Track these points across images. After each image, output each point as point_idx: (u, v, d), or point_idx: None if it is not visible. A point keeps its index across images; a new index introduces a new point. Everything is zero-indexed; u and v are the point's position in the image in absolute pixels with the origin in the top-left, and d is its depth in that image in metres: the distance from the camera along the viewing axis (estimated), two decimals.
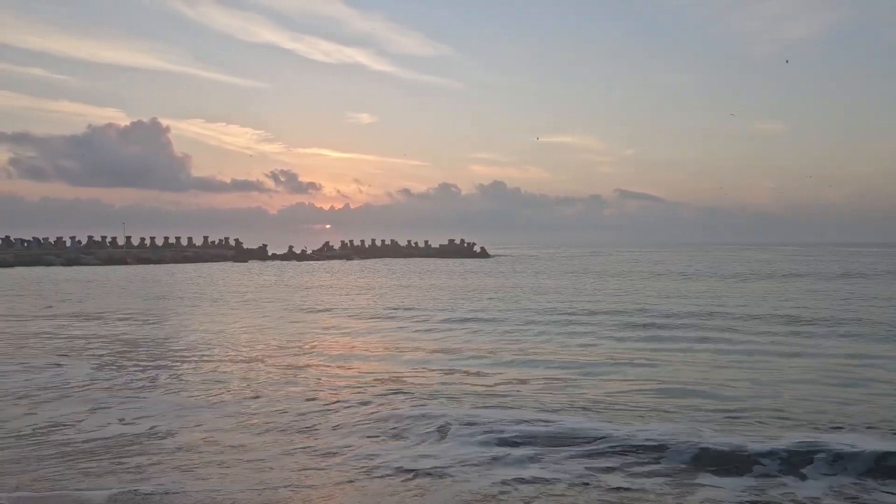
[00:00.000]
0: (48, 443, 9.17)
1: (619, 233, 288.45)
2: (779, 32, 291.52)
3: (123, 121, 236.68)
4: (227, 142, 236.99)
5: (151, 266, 79.88)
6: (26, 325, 22.94)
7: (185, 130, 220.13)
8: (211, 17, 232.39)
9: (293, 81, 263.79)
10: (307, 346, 17.86)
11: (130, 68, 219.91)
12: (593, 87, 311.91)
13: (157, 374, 13.99)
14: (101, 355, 16.48)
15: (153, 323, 23.51)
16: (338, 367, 14.83)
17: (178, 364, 15.23)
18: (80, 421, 10.28)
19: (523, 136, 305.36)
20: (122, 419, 10.40)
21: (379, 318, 24.98)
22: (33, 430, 9.85)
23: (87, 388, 12.77)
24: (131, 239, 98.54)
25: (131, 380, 13.49)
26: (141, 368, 14.73)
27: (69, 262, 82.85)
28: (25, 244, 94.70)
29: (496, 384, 12.57)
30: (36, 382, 13.21)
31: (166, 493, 7.14)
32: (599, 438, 8.65)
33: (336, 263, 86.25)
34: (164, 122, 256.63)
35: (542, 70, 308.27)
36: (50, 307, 29.30)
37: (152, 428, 9.84)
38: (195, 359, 15.87)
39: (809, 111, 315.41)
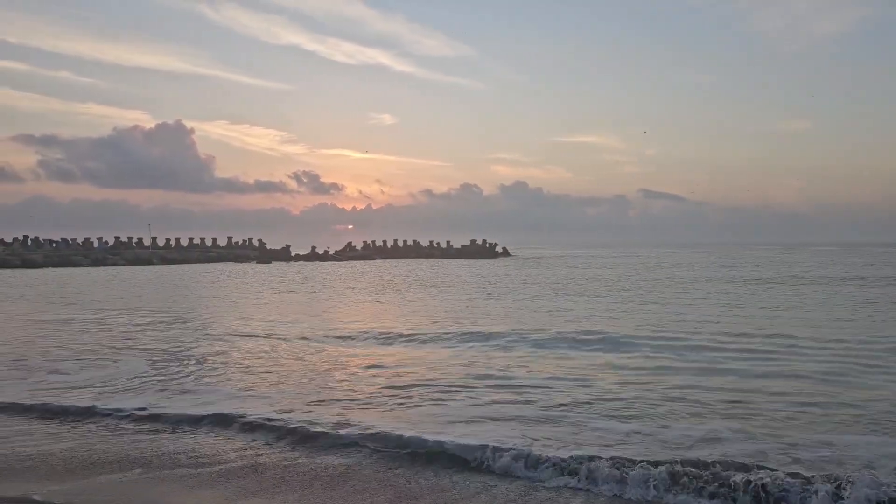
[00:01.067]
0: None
1: (643, 233, 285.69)
2: (804, 29, 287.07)
3: (149, 123, 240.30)
4: (250, 143, 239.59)
5: (177, 266, 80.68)
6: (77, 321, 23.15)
7: (210, 132, 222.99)
8: (235, 19, 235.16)
9: (316, 83, 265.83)
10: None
11: (156, 71, 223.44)
12: (616, 86, 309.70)
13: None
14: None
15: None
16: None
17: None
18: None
19: (545, 136, 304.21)
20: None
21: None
22: None
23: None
24: (157, 240, 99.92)
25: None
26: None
27: (96, 263, 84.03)
28: (54, 245, 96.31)
29: None
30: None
31: None
32: None
33: (359, 264, 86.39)
34: (189, 123, 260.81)
35: (564, 70, 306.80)
36: (101, 309, 29.29)
37: None
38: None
39: (836, 109, 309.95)
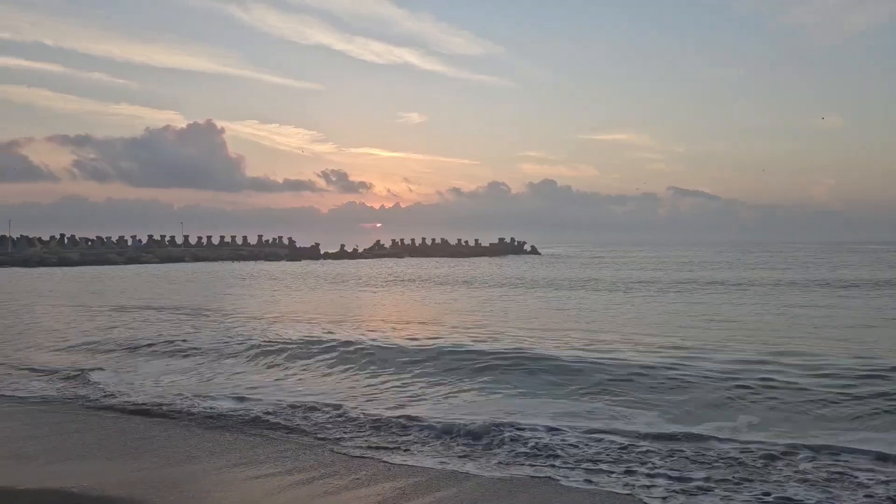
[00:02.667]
0: None
1: (673, 232, 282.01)
2: (837, 23, 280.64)
3: (180, 123, 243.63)
4: (280, 142, 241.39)
5: (208, 263, 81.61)
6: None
7: (240, 132, 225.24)
8: (265, 20, 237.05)
9: (345, 82, 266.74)
10: None
11: (187, 72, 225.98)
12: (644, 83, 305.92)
13: None
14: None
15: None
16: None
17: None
18: None
19: (573, 134, 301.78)
20: None
21: None
22: None
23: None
24: (189, 238, 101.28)
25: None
26: None
27: (130, 261, 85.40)
28: (90, 243, 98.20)
29: None
30: None
31: None
32: None
33: (388, 261, 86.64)
34: (219, 123, 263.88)
35: (592, 67, 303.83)
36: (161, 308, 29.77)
37: None
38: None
39: (870, 104, 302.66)
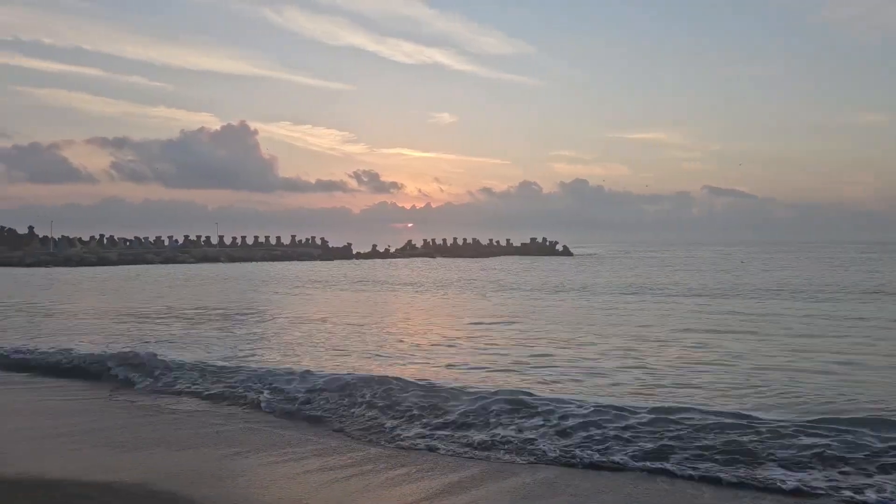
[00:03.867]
0: None
1: (708, 231, 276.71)
2: (875, 19, 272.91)
3: (215, 125, 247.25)
4: (312, 143, 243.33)
5: (243, 264, 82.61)
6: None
7: (273, 133, 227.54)
8: (297, 22, 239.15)
9: (376, 83, 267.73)
10: None
11: (222, 74, 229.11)
12: (678, 81, 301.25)
13: None
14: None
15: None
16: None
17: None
18: None
19: (605, 133, 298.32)
20: None
21: None
22: None
23: None
24: (224, 238, 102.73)
25: None
26: None
27: (167, 261, 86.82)
28: (128, 243, 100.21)
29: None
30: None
31: None
32: None
33: (418, 261, 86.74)
34: (253, 125, 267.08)
35: (624, 65, 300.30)
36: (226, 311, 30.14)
37: None
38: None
39: None
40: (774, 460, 7.63)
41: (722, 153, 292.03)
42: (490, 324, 21.51)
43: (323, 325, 21.72)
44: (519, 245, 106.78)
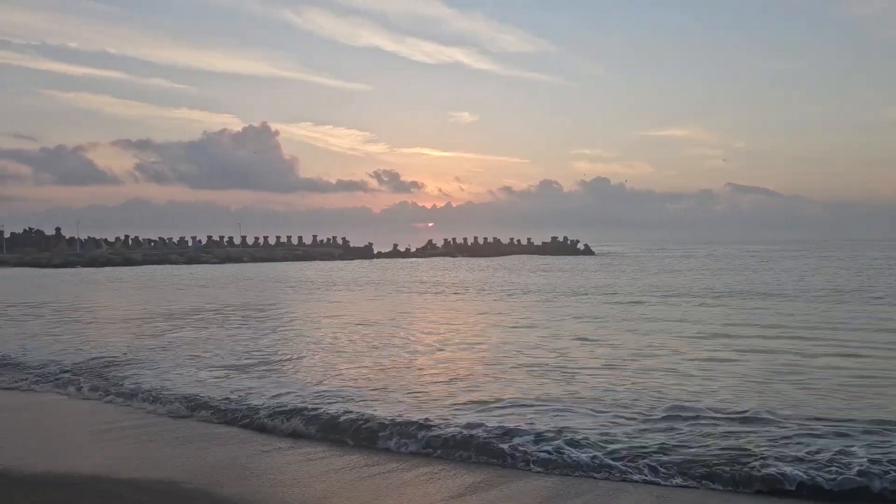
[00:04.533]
0: None
1: (732, 229, 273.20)
2: None
3: (236, 126, 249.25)
4: (333, 144, 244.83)
5: (267, 264, 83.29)
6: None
7: (294, 134, 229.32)
8: (317, 23, 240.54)
9: (396, 83, 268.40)
10: None
11: (243, 76, 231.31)
12: (701, 76, 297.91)
13: None
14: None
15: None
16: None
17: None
18: None
19: (627, 131, 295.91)
20: None
21: None
22: None
23: None
24: (246, 238, 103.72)
25: None
26: None
27: (190, 261, 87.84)
28: (152, 244, 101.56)
29: None
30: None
31: None
32: None
33: (438, 261, 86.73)
34: (274, 126, 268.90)
35: (646, 62, 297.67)
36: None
37: None
38: None
39: None
40: None
41: (746, 150, 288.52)
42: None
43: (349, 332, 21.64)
44: (540, 244, 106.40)
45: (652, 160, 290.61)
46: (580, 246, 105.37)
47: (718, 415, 9.64)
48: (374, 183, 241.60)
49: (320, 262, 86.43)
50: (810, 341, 16.72)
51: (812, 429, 8.89)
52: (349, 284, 43.82)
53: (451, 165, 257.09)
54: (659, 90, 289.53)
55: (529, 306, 27.20)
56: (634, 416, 9.69)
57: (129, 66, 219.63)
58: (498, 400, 10.74)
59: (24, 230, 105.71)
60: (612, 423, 9.36)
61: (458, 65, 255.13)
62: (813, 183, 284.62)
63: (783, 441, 8.39)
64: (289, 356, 15.37)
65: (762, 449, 8.01)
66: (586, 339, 17.51)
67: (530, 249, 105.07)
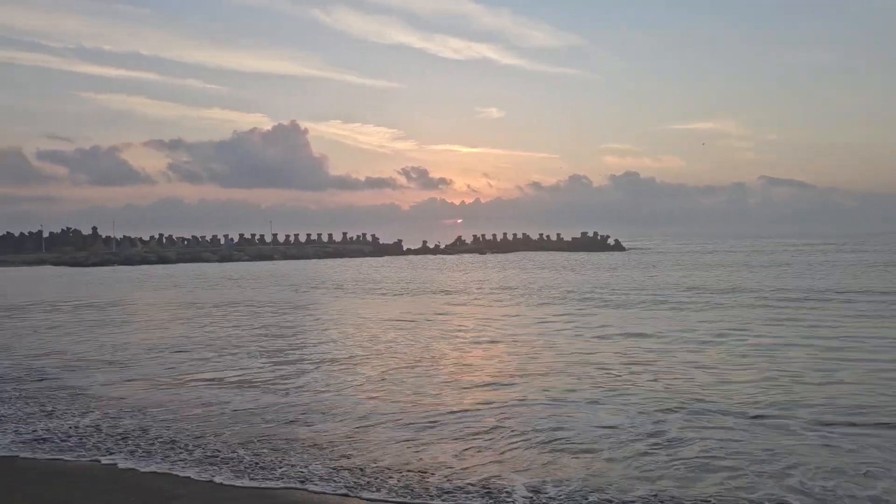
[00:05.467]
0: None
1: (765, 223, 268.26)
2: None
3: (266, 125, 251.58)
4: (362, 141, 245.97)
5: (297, 262, 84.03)
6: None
7: (323, 132, 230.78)
8: (346, 22, 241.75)
9: (424, 80, 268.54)
10: None
11: (273, 75, 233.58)
12: (733, 68, 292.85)
13: None
14: None
15: None
16: None
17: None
18: None
19: (657, 124, 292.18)
20: None
21: None
22: None
23: None
24: (277, 236, 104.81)
25: None
26: None
27: (223, 259, 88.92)
28: (185, 242, 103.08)
29: None
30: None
31: None
32: None
33: (468, 257, 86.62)
34: (303, 124, 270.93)
35: (677, 54, 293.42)
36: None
37: None
38: None
39: None
40: None
41: (780, 142, 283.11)
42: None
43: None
44: (569, 240, 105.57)
45: (682, 154, 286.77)
46: (610, 241, 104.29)
47: None
48: (402, 180, 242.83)
49: (351, 259, 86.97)
50: None
51: None
52: (390, 290, 43.22)
53: (479, 161, 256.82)
54: (688, 83, 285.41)
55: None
56: None
57: (162, 67, 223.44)
58: None
59: (62, 230, 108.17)
60: None
61: (486, 60, 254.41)
62: (848, 175, 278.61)
63: None
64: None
65: None
66: None
67: (560, 245, 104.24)
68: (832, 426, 9.31)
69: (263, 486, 7.42)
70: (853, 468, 7.70)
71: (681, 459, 8.04)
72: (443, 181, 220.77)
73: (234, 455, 8.46)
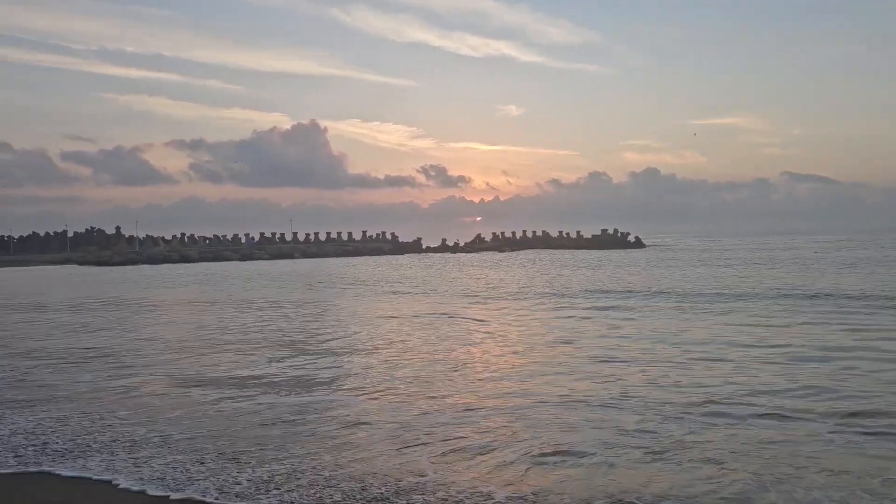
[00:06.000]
0: None
1: (789, 219, 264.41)
2: None
3: (286, 124, 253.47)
4: (381, 140, 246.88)
5: (317, 260, 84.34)
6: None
7: (343, 131, 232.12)
8: (365, 21, 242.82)
9: (443, 77, 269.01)
10: None
11: (293, 74, 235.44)
12: (754, 62, 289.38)
13: None
14: None
15: None
16: None
17: None
18: None
19: (677, 120, 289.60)
20: None
21: None
22: None
23: None
24: (297, 235, 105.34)
25: None
26: None
27: (244, 258, 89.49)
28: (207, 241, 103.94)
29: None
30: None
31: None
32: None
33: (488, 255, 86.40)
34: (323, 123, 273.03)
35: (698, 48, 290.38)
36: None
37: None
38: None
39: None
40: None
41: (803, 137, 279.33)
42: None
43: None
44: (590, 237, 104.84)
45: (703, 149, 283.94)
46: (631, 238, 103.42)
47: None
48: (421, 178, 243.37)
49: (370, 257, 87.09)
50: None
51: None
52: (413, 290, 41.90)
53: (498, 159, 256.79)
54: (708, 78, 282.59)
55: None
56: None
57: (183, 67, 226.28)
58: None
59: (87, 229, 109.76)
60: None
61: (505, 58, 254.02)
62: (873, 169, 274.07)
63: None
64: None
65: None
66: None
67: (580, 243, 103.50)
68: None
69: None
70: None
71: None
72: (462, 179, 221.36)
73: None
